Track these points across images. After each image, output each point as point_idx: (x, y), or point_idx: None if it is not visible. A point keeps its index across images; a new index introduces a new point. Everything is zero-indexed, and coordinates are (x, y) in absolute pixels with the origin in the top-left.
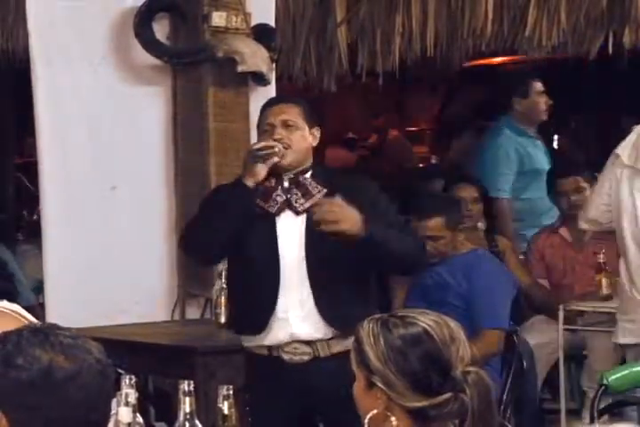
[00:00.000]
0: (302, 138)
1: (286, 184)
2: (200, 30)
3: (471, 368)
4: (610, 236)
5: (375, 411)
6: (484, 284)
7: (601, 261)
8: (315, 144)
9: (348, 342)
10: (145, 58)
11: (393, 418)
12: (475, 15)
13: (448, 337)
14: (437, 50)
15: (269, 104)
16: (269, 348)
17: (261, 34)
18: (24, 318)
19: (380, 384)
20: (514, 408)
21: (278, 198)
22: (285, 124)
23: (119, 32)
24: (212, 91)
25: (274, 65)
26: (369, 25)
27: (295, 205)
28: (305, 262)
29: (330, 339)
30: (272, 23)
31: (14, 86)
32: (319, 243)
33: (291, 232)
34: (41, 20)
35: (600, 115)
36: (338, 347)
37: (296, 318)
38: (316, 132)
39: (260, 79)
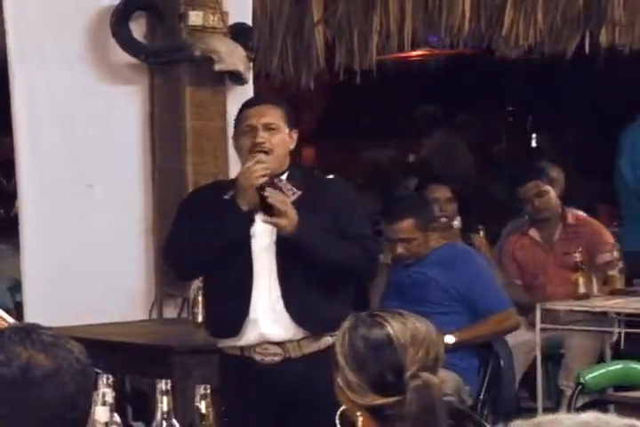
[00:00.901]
0: (283, 141)
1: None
2: (177, 29)
3: (422, 373)
4: (579, 235)
5: (343, 407)
6: (475, 272)
7: (577, 260)
8: (292, 147)
9: (320, 343)
10: (122, 57)
11: (359, 413)
12: (452, 14)
13: (409, 340)
14: (414, 48)
15: (250, 104)
16: (242, 348)
17: (238, 33)
18: (1, 318)
19: (339, 381)
20: (491, 407)
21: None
22: (267, 128)
23: (96, 31)
24: (190, 90)
25: (251, 64)
26: (346, 23)
27: None
28: (275, 264)
29: (300, 340)
30: (249, 22)
31: None
32: (291, 245)
33: (263, 234)
34: (17, 18)
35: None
36: (309, 348)
37: (266, 319)
38: (295, 134)
39: (238, 78)
